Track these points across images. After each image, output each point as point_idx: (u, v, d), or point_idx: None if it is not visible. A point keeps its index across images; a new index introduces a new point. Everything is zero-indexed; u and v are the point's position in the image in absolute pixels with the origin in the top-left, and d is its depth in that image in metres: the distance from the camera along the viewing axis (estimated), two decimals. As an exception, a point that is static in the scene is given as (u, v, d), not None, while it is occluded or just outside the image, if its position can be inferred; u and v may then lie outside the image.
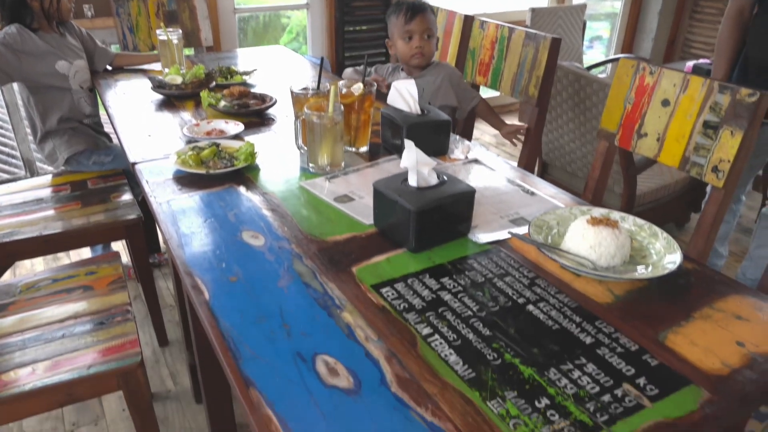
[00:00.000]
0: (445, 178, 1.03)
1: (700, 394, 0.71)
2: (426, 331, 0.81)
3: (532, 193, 1.22)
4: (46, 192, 1.91)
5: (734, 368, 0.75)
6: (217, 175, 1.24)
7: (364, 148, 1.42)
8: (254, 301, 0.86)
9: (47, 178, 2.01)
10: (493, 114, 2.06)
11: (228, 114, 1.64)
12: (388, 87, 1.91)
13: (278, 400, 0.69)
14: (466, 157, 1.39)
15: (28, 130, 2.84)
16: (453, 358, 0.76)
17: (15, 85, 2.70)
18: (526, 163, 2.10)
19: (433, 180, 1.02)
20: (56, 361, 1.19)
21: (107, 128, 2.15)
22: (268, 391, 0.70)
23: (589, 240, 0.95)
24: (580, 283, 0.93)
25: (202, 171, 1.24)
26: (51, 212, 1.78)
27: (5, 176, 3.01)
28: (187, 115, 1.68)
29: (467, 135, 2.31)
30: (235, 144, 1.37)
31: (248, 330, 0.80)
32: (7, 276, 1.81)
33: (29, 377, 1.14)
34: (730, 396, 0.71)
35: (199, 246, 1.01)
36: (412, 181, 1.00)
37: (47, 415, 1.75)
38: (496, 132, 4.16)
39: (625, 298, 0.89)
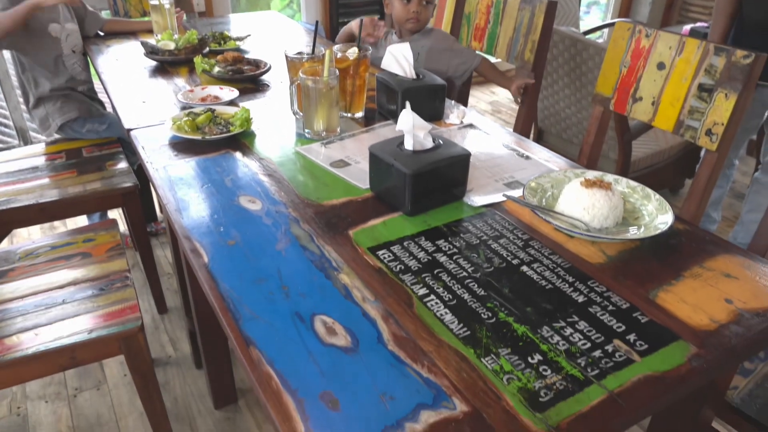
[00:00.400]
0: (441, 142, 1.03)
1: (688, 348, 0.74)
2: (422, 291, 0.83)
3: (527, 157, 1.23)
4: (41, 160, 1.90)
5: (722, 324, 0.78)
6: (213, 140, 1.24)
7: (359, 114, 1.41)
8: (252, 263, 0.87)
9: (41, 147, 2.00)
10: (497, 72, 2.03)
11: (222, 80, 1.63)
12: (375, 41, 1.89)
13: (278, 357, 0.71)
14: (462, 122, 1.39)
15: (20, 99, 2.81)
16: (448, 317, 0.78)
17: (5, 53, 2.67)
18: (521, 129, 2.10)
19: (429, 144, 1.02)
20: (58, 326, 1.21)
21: (101, 97, 2.14)
22: (268, 350, 0.72)
23: (583, 202, 0.96)
24: (573, 244, 0.95)
25: (198, 137, 1.24)
26: (47, 180, 1.78)
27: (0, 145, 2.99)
28: (180, 82, 1.67)
29: (463, 102, 2.30)
30: (231, 110, 1.36)
31: (247, 291, 0.82)
32: (5, 244, 1.81)
33: (33, 341, 1.16)
34: (717, 350, 0.73)
35: (197, 211, 1.01)
36: (408, 145, 1.00)
37: (50, 380, 1.78)
38: (492, 99, 4.15)
39: (618, 258, 0.91)
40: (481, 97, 4.24)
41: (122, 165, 1.88)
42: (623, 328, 0.77)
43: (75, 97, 1.97)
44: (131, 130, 1.33)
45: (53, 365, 1.18)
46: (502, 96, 4.23)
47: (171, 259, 2.38)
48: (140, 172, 1.94)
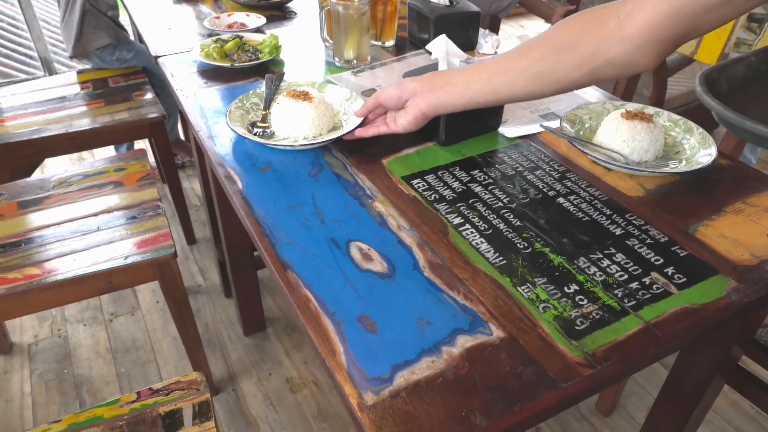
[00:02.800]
0: (477, 70, 1.00)
1: (727, 282, 0.73)
2: (457, 220, 0.82)
3: (564, 89, 1.19)
4: (69, 90, 1.90)
5: (763, 259, 0.76)
6: (242, 68, 1.22)
7: (390, 42, 1.37)
8: (286, 190, 0.87)
9: (68, 76, 1.99)
10: (539, 1, 1.96)
11: (248, 7, 1.59)
12: None
13: (315, 282, 0.72)
14: (495, 52, 1.35)
15: (43, 28, 2.78)
16: (484, 246, 0.78)
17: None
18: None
19: (465, 72, 0.99)
20: (95, 252, 1.24)
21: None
22: (305, 274, 0.73)
23: (623, 134, 0.94)
24: (611, 177, 0.93)
25: (227, 64, 1.22)
26: (75, 110, 1.78)
27: (23, 76, 2.99)
28: (206, 8, 1.63)
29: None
30: (258, 37, 1.33)
31: (282, 217, 0.82)
32: (38, 173, 1.84)
33: (71, 266, 1.19)
34: (756, 285, 0.72)
35: (228, 138, 1.01)
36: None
37: (87, 305, 1.85)
38: (521, 33, 4.01)
39: (656, 192, 0.89)
40: (510, 31, 4.09)
41: (149, 95, 1.87)
42: (661, 261, 0.76)
43: (105, 22, 1.93)
44: (159, 57, 1.31)
45: (91, 289, 1.22)
46: (531, 30, 4.08)
47: (198, 192, 2.41)
48: (163, 101, 1.93)
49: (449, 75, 0.86)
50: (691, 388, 1.07)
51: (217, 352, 1.70)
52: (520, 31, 4.06)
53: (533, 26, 4.13)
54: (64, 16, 1.89)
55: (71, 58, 1.98)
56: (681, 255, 0.77)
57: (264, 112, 1.03)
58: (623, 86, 1.69)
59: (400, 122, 0.91)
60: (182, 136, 2.54)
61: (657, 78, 2.21)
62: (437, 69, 0.99)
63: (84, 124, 1.71)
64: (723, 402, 1.54)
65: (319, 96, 1.00)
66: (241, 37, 1.30)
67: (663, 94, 2.28)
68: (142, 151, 1.57)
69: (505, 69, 0.82)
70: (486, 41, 1.38)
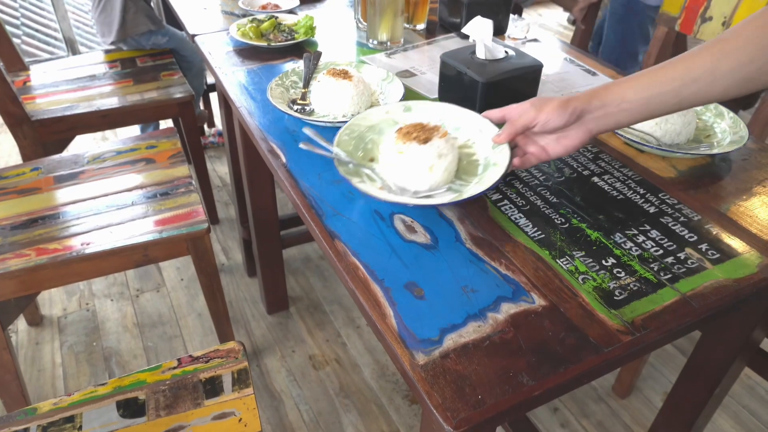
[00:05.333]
0: (513, 52, 1.02)
1: (761, 258, 0.75)
2: (495, 196, 0.85)
3: (594, 73, 1.21)
4: (98, 69, 1.93)
5: (795, 238, 0.78)
6: (278, 47, 1.25)
7: (421, 26, 1.39)
8: (329, 165, 0.89)
9: (97, 56, 2.02)
10: None
11: (281, -12, 1.61)
12: None
13: (362, 251, 0.75)
14: (526, 37, 1.36)
15: (68, 8, 2.81)
16: (523, 221, 0.80)
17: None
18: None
19: (500, 53, 1.01)
20: (130, 225, 1.27)
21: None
22: (352, 243, 0.76)
23: (656, 117, 0.96)
24: (643, 158, 0.95)
25: (264, 43, 1.24)
26: (105, 89, 1.81)
27: (46, 56, 3.02)
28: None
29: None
30: (292, 18, 1.35)
31: (327, 190, 0.85)
32: (71, 149, 1.88)
33: (108, 238, 1.23)
34: (789, 262, 0.75)
35: (268, 114, 1.03)
36: (480, 54, 0.99)
37: (113, 280, 1.89)
38: (541, 22, 4.01)
39: (689, 173, 0.91)
40: (528, 19, 4.09)
41: (177, 76, 1.89)
42: (695, 237, 0.78)
43: (143, 8, 1.94)
44: (195, 36, 1.34)
45: (128, 261, 1.25)
46: (550, 19, 4.08)
47: (219, 173, 2.44)
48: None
49: (620, 90, 0.74)
50: (712, 369, 1.10)
51: (241, 329, 1.73)
52: (538, 20, 4.06)
53: (551, 15, 4.12)
54: (99, 3, 1.90)
55: (111, 44, 1.97)
56: (714, 233, 0.79)
57: (304, 90, 1.06)
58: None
59: (565, 143, 0.78)
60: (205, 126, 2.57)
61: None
62: (474, 51, 1.01)
63: (114, 102, 1.74)
64: (738, 387, 1.57)
65: (358, 75, 1.02)
66: (276, 17, 1.32)
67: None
68: (173, 130, 1.60)
69: (695, 79, 0.70)
70: (516, 26, 1.39)
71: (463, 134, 0.88)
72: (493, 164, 0.81)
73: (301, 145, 0.86)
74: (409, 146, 0.78)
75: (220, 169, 2.47)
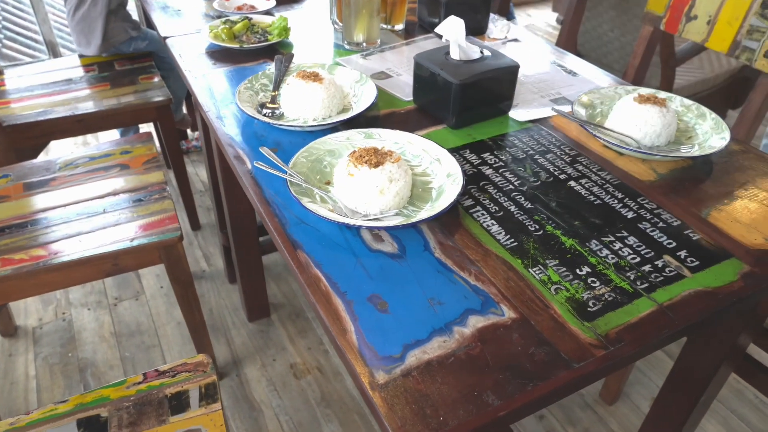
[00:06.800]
0: (489, 52, 0.99)
1: (741, 266, 0.72)
2: (467, 203, 0.82)
3: (574, 74, 1.18)
4: (74, 73, 1.89)
5: (777, 244, 0.76)
6: (251, 49, 1.21)
7: (399, 26, 1.36)
8: (296, 171, 0.87)
9: (73, 59, 1.98)
10: None
11: (257, -11, 1.57)
12: None
13: (325, 261, 0.71)
14: (506, 37, 1.33)
15: (49, 11, 2.77)
16: (495, 228, 0.77)
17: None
18: (562, 50, 2.01)
19: (476, 54, 0.98)
20: (101, 234, 1.23)
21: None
22: (315, 253, 0.72)
23: (635, 118, 0.93)
24: (622, 161, 0.92)
25: (236, 45, 1.21)
26: (81, 93, 1.77)
27: (27, 59, 2.97)
28: (213, -9, 1.62)
29: (502, 20, 2.20)
30: (267, 19, 1.32)
31: (292, 198, 0.81)
32: (43, 156, 1.84)
33: (77, 247, 1.19)
34: (770, 269, 0.72)
35: (238, 119, 1.00)
36: (455, 54, 0.96)
37: (91, 289, 1.85)
38: (528, 22, 3.98)
39: (669, 176, 0.88)
40: (517, 19, 4.06)
41: (155, 79, 1.86)
42: (674, 244, 0.75)
43: (123, 16, 1.90)
44: (167, 38, 1.30)
45: (97, 271, 1.21)
46: (539, 19, 4.05)
47: (202, 177, 2.40)
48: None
49: None
50: (698, 376, 1.07)
51: (221, 338, 1.69)
52: (527, 20, 4.03)
53: (540, 15, 4.10)
54: (75, 10, 1.84)
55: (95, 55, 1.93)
56: (694, 239, 0.76)
57: (273, 93, 1.02)
58: (632, 74, 1.67)
59: None
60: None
61: (665, 67, 2.20)
62: (448, 51, 0.98)
63: (90, 106, 1.70)
64: (727, 391, 1.54)
65: (330, 77, 0.99)
66: (250, 19, 1.29)
67: (671, 83, 2.26)
68: (148, 134, 1.57)
69: None
70: (496, 26, 1.36)
71: (422, 162, 0.86)
72: (445, 192, 0.79)
73: (256, 164, 0.83)
74: (361, 169, 0.76)
75: (203, 173, 2.44)
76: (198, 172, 2.44)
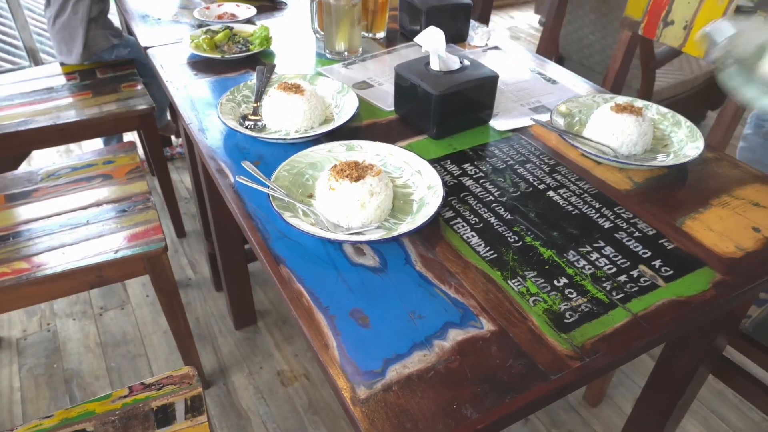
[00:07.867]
0: (468, 62, 1.00)
1: (713, 275, 0.74)
2: (448, 214, 0.83)
3: (554, 82, 1.20)
4: (55, 81, 1.88)
5: (748, 252, 0.77)
6: (233, 59, 1.22)
7: (381, 34, 1.37)
8: (278, 184, 0.87)
9: (54, 67, 1.97)
10: None
11: (238, -2, 1.58)
12: None
13: (308, 275, 0.72)
14: (486, 45, 1.35)
15: (28, 17, 2.74)
16: (475, 240, 0.78)
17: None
18: (543, 55, 2.03)
19: (455, 65, 0.99)
20: (84, 245, 1.23)
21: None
22: (298, 268, 0.73)
23: (612, 127, 0.94)
24: (600, 170, 0.93)
25: (217, 55, 1.21)
26: (63, 101, 1.76)
27: (8, 66, 2.95)
28: (195, -1, 1.62)
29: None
30: (249, 28, 1.32)
31: (275, 212, 0.82)
32: (24, 166, 1.82)
33: (60, 259, 1.19)
34: (742, 277, 0.74)
35: (219, 131, 1.00)
36: (435, 65, 0.97)
37: (76, 299, 1.84)
38: (511, 24, 4.01)
39: (645, 185, 0.90)
40: (500, 22, 4.09)
41: (138, 87, 1.85)
42: (649, 254, 0.77)
43: (105, 24, 1.88)
44: (148, 48, 1.30)
45: (81, 283, 1.21)
46: (522, 21, 4.08)
47: (187, 184, 2.40)
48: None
49: None
50: (677, 378, 1.09)
51: (208, 346, 1.69)
52: (510, 23, 4.06)
53: (523, 17, 4.13)
54: (55, 18, 1.83)
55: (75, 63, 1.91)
56: (668, 248, 0.78)
57: (255, 105, 1.03)
58: (612, 78, 1.69)
59: None
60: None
61: (645, 70, 2.23)
62: (428, 61, 0.99)
63: (71, 115, 1.69)
64: (707, 392, 1.56)
65: (311, 88, 1.00)
66: (231, 28, 1.29)
67: (651, 85, 2.29)
68: (131, 144, 1.56)
69: None
70: (476, 33, 1.38)
71: (404, 174, 0.88)
72: (426, 204, 0.80)
73: (239, 179, 0.84)
74: (342, 183, 0.77)
75: (187, 180, 2.43)
76: (183, 179, 2.44)
